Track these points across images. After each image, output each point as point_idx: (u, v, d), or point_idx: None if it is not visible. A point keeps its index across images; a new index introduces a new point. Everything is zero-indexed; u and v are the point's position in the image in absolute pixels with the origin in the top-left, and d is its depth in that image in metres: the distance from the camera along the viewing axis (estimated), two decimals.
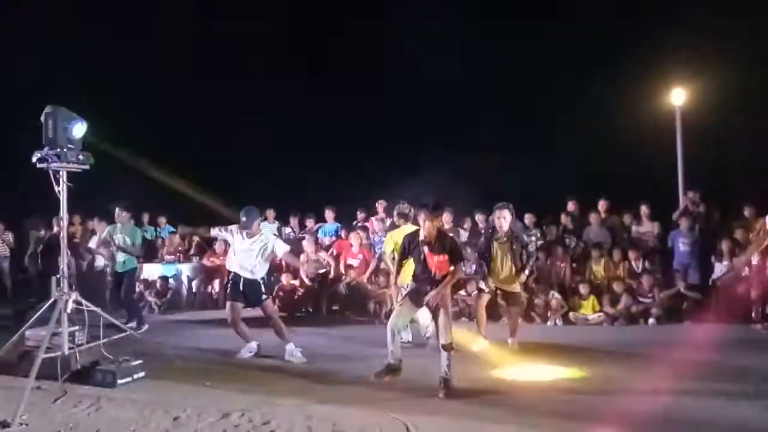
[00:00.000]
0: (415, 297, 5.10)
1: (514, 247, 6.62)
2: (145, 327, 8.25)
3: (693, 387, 4.93)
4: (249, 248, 6.29)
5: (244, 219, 6.32)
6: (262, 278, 6.37)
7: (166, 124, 14.02)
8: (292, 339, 6.34)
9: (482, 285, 6.81)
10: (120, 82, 13.75)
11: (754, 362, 5.83)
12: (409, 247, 5.15)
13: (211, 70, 14.57)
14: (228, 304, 6.41)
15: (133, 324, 7.97)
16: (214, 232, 6.72)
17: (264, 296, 6.37)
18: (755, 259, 8.65)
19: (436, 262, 4.96)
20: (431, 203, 4.99)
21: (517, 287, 6.79)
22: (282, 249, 6.49)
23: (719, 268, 8.68)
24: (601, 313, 8.65)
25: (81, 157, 5.45)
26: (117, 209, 8.46)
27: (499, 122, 13.54)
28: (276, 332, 6.34)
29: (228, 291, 6.46)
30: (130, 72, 14.09)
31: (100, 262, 11.10)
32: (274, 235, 10.69)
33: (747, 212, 9.27)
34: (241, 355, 6.34)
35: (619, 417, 4.22)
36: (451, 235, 5.74)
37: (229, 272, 6.50)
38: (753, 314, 8.14)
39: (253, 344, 6.39)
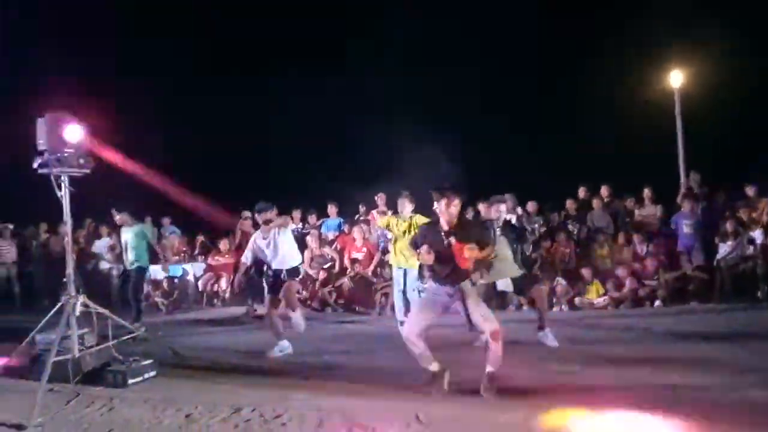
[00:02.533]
0: (433, 300, 4.62)
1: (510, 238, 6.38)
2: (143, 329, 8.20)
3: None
4: (262, 251, 6.40)
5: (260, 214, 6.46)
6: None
7: (167, 123, 14.00)
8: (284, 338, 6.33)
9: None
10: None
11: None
12: (424, 241, 4.56)
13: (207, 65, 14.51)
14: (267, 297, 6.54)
15: (137, 324, 7.97)
16: (245, 258, 6.68)
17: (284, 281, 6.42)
18: (760, 238, 8.68)
19: (467, 251, 4.37)
20: (447, 187, 4.52)
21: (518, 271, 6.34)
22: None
23: (723, 249, 8.69)
24: (606, 297, 8.67)
25: (82, 160, 5.47)
26: (115, 214, 8.49)
27: (499, 110, 13.49)
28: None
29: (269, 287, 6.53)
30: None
31: (104, 264, 11.19)
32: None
33: (750, 191, 9.27)
34: (273, 353, 6.23)
35: (627, 398, 4.25)
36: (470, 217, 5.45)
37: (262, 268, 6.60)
38: (759, 293, 8.17)
39: (286, 343, 6.31)
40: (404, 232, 7.34)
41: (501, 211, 6.50)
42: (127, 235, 8.42)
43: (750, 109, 11.21)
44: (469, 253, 4.35)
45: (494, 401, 4.32)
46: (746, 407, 3.99)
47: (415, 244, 4.71)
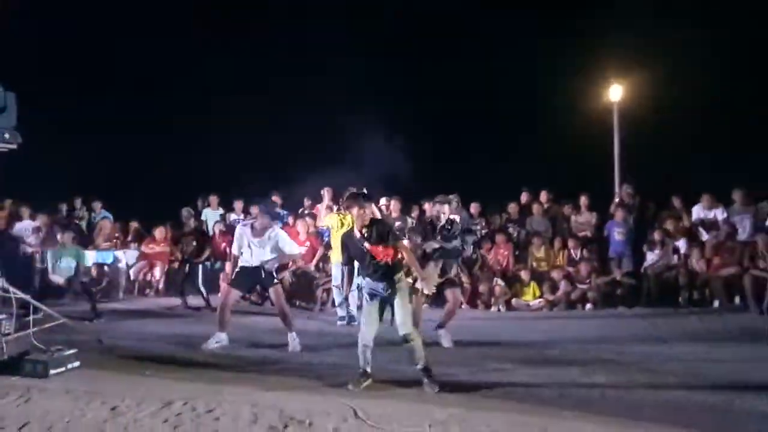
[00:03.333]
0: (374, 298, 4.78)
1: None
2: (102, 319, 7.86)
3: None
4: (259, 245, 6.18)
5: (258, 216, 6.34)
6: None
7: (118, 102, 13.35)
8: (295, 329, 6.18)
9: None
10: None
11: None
12: (349, 248, 4.92)
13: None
14: (226, 287, 6.37)
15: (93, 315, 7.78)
16: (235, 250, 6.43)
17: (275, 280, 6.30)
18: (683, 247, 9.19)
19: (382, 250, 4.75)
20: (359, 194, 4.94)
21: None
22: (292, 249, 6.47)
23: (650, 257, 9.13)
24: (541, 299, 8.94)
25: (7, 135, 5.11)
26: (59, 235, 8.29)
27: (446, 117, 13.67)
28: (282, 318, 6.20)
29: (234, 278, 6.30)
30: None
31: (27, 248, 10.51)
32: (218, 222, 10.58)
33: (676, 203, 9.79)
34: (207, 345, 6.05)
35: (556, 397, 4.39)
36: (378, 218, 5.47)
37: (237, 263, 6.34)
38: (680, 299, 8.64)
39: (224, 336, 6.14)
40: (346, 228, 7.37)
41: (444, 211, 6.48)
42: (65, 258, 8.31)
43: (683, 122, 11.83)
44: (383, 253, 4.71)
45: (433, 396, 4.36)
46: (669, 407, 4.20)
47: (347, 251, 4.99)
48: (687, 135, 11.75)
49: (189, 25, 14.01)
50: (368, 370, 4.73)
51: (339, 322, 7.62)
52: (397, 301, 4.74)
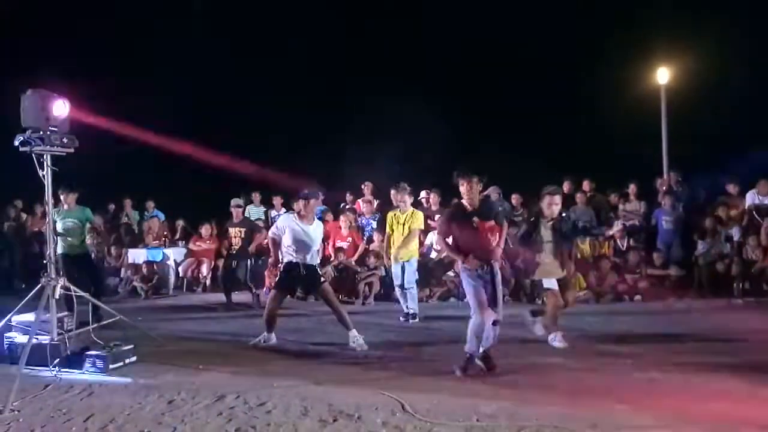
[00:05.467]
0: (478, 280, 4.78)
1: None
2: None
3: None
4: (306, 235, 6.05)
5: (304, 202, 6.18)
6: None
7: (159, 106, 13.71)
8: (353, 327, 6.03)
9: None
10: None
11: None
12: (453, 223, 4.89)
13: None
14: (273, 292, 6.24)
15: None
16: (271, 234, 6.34)
17: (322, 280, 6.25)
18: (736, 236, 8.85)
19: (488, 227, 4.78)
20: (468, 171, 4.83)
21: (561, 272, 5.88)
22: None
23: (702, 246, 8.83)
24: (587, 291, 8.77)
25: (65, 140, 5.34)
26: (62, 193, 7.12)
27: (488, 105, 13.50)
28: (338, 319, 6.05)
29: (279, 280, 6.21)
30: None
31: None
32: (260, 219, 10.78)
33: (731, 189, 9.43)
34: (257, 344, 6.09)
35: (611, 390, 4.31)
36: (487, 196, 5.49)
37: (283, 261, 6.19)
38: (734, 290, 8.34)
39: (273, 337, 6.14)
40: (403, 225, 7.41)
41: (556, 203, 5.82)
42: (66, 218, 7.21)
43: (735, 107, 11.35)
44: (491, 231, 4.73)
45: (481, 389, 4.36)
46: (725, 400, 4.07)
47: (447, 227, 4.97)
48: (738, 119, 11.27)
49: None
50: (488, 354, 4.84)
51: (401, 319, 7.47)
52: (496, 285, 4.79)
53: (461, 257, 4.88)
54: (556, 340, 5.72)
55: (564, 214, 5.95)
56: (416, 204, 10.06)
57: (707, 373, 4.71)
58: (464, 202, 4.92)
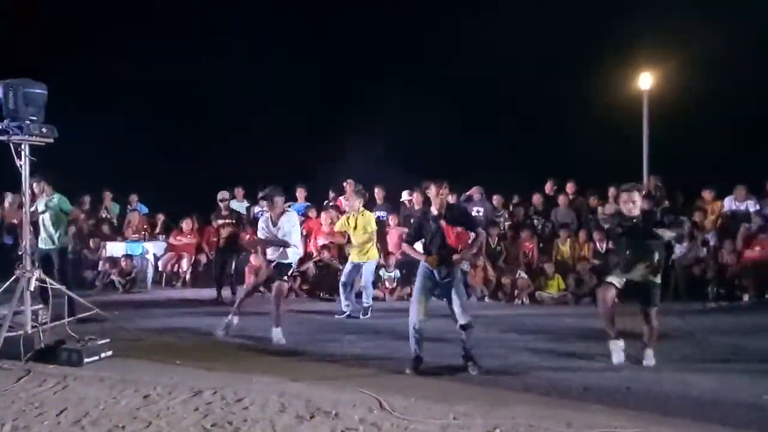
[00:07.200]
0: (428, 282, 4.92)
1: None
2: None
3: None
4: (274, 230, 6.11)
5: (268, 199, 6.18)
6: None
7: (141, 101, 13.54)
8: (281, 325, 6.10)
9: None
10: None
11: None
12: (420, 227, 5.05)
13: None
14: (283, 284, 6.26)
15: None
16: (261, 234, 6.31)
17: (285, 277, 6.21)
18: (712, 241, 9.01)
19: (455, 233, 4.86)
20: (435, 178, 4.99)
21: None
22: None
23: (679, 249, 8.97)
24: (566, 292, 8.87)
25: (45, 129, 5.25)
26: (35, 183, 6.74)
27: (470, 106, 13.56)
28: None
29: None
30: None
31: None
32: (243, 214, 10.72)
33: (707, 195, 9.60)
34: (278, 341, 6.02)
35: (586, 390, 4.37)
36: (458, 204, 5.58)
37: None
38: (709, 293, 8.49)
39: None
40: (354, 228, 7.58)
41: (634, 201, 5.26)
42: (44, 207, 6.99)
43: (715, 113, 11.55)
44: (456, 237, 4.85)
45: (457, 388, 4.39)
46: (697, 401, 4.15)
47: (416, 232, 5.12)
48: (718, 126, 11.47)
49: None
50: (420, 354, 4.89)
51: (338, 316, 7.70)
52: (454, 290, 4.85)
53: (423, 256, 5.00)
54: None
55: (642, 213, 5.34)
56: (398, 205, 10.20)
57: (681, 374, 4.80)
58: (432, 208, 5.04)
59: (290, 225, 6.12)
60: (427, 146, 12.46)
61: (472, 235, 5.04)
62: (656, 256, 5.16)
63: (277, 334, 6.01)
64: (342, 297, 7.74)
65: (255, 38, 13.65)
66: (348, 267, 7.81)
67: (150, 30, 13.68)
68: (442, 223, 4.88)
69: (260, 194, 6.41)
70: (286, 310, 6.32)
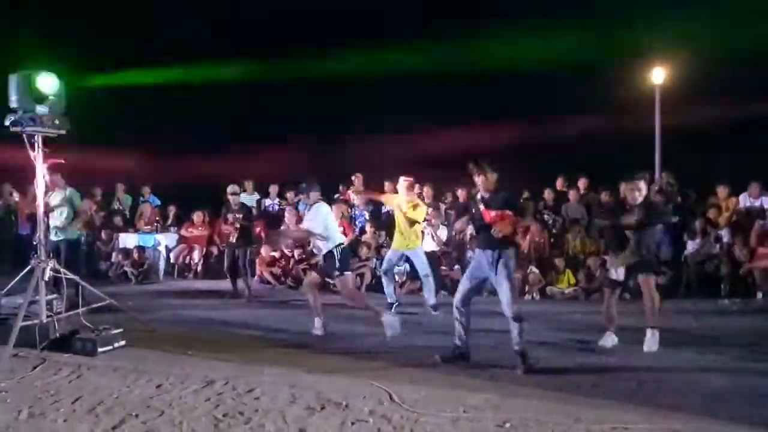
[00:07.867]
0: (478, 269, 4.85)
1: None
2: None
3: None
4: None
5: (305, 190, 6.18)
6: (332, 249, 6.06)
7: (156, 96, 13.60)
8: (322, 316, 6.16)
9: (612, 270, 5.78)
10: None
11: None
12: (466, 208, 5.11)
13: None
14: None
15: None
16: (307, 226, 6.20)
17: (337, 272, 6.08)
18: (726, 237, 8.93)
19: (493, 216, 4.72)
20: (484, 160, 4.86)
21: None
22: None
23: (691, 246, 8.91)
24: (576, 287, 8.84)
25: (57, 121, 5.30)
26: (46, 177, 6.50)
27: (480, 101, 13.50)
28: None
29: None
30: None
31: None
32: (253, 206, 10.76)
33: (720, 191, 9.50)
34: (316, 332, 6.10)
35: (596, 386, 4.36)
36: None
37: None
38: (722, 290, 8.42)
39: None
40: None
41: (639, 189, 5.53)
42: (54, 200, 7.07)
43: (729, 108, 11.41)
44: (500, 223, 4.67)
45: (467, 382, 4.40)
46: (709, 398, 4.13)
47: (466, 210, 5.15)
48: (732, 121, 11.33)
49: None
50: (458, 343, 4.89)
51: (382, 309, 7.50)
52: (500, 276, 4.71)
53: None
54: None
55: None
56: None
57: (692, 370, 4.78)
58: (478, 191, 4.95)
59: (309, 218, 6.10)
60: (437, 141, 12.43)
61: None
62: (648, 242, 5.51)
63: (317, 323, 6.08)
64: (385, 288, 7.47)
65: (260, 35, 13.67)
66: (391, 254, 7.52)
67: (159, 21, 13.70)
68: (481, 206, 4.84)
69: (299, 187, 6.43)
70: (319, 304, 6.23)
